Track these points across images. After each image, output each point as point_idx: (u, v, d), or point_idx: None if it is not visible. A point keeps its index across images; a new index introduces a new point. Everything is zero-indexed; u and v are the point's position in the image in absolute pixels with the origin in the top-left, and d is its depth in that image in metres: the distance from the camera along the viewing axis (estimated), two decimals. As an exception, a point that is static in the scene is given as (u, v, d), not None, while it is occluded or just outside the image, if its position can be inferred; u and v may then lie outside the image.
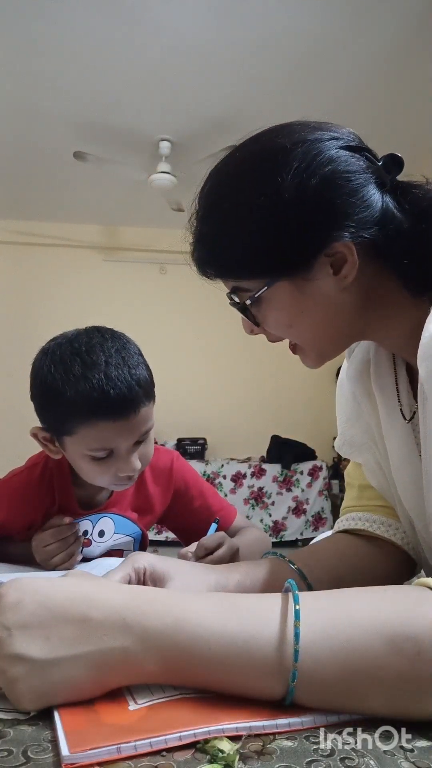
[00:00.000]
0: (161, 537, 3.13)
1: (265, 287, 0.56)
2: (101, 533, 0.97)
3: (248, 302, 0.58)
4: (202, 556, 0.76)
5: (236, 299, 0.60)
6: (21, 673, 0.36)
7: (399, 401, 0.63)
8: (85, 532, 0.95)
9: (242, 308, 0.59)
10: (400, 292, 0.56)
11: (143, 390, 0.80)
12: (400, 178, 0.57)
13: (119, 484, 0.86)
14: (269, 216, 0.54)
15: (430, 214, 0.54)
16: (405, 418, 0.62)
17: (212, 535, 0.80)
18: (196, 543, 0.79)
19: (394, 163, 0.57)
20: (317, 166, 0.52)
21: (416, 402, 0.59)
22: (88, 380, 0.75)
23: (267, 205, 0.53)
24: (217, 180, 0.59)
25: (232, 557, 0.78)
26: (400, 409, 0.63)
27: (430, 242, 0.54)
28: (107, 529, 0.98)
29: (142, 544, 1.04)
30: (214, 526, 0.85)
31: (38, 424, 0.86)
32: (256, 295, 0.57)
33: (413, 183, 0.57)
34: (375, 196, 0.54)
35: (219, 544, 0.78)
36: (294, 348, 0.62)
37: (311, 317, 0.57)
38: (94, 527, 0.96)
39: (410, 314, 0.56)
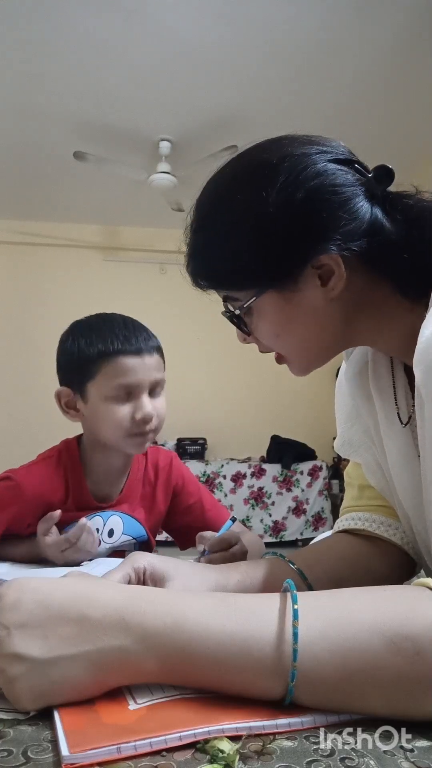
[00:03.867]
0: (161, 537, 3.13)
1: (254, 297, 0.57)
2: (111, 533, 0.99)
3: (238, 312, 0.59)
4: (218, 550, 0.78)
5: (228, 310, 0.62)
6: (20, 673, 0.36)
7: (396, 405, 0.63)
8: (96, 530, 0.96)
9: (233, 317, 0.61)
10: (395, 298, 0.56)
11: (155, 344, 0.93)
12: (394, 185, 0.58)
13: (136, 436, 0.91)
14: (256, 230, 0.55)
15: (420, 222, 0.54)
16: (401, 422, 0.62)
17: (232, 532, 0.82)
18: (211, 533, 0.81)
19: (385, 174, 0.57)
20: (303, 180, 0.53)
21: (414, 405, 0.59)
22: (110, 328, 0.91)
23: (254, 220, 0.54)
24: (209, 194, 0.60)
25: (241, 558, 0.78)
26: (398, 413, 0.63)
27: (421, 249, 0.54)
28: (116, 528, 0.99)
29: (148, 547, 1.05)
30: (229, 523, 0.86)
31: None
32: (245, 305, 0.58)
33: (403, 193, 0.57)
34: (363, 208, 0.54)
35: (237, 542, 0.80)
36: (279, 358, 0.63)
37: (299, 328, 0.58)
38: (104, 525, 0.97)
39: (406, 319, 0.56)
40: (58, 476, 0.96)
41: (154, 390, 0.93)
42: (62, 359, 0.95)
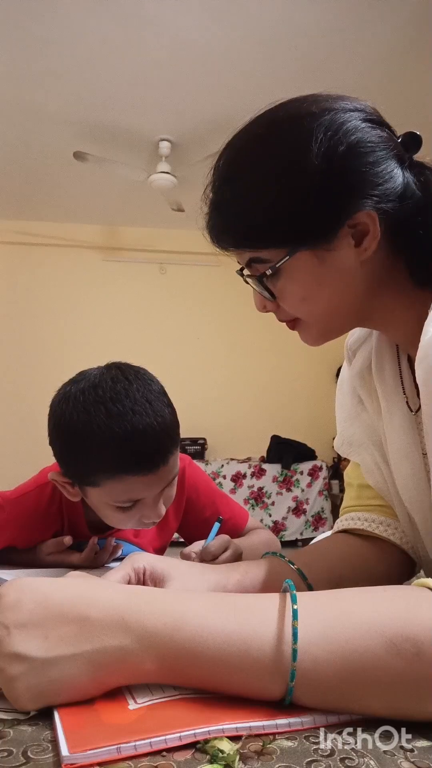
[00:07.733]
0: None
1: (287, 257, 0.54)
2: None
3: (268, 272, 0.56)
4: (207, 561, 0.76)
5: (252, 272, 0.58)
6: (20, 672, 0.36)
7: (404, 393, 0.63)
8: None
9: (259, 280, 0.57)
10: (410, 282, 0.56)
11: (170, 439, 0.77)
12: None
13: (144, 526, 0.84)
14: (294, 182, 0.53)
15: None
16: (411, 410, 0.62)
17: (217, 539, 0.79)
18: (198, 542, 0.79)
19: (413, 140, 0.57)
20: (344, 134, 0.52)
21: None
22: (115, 434, 0.71)
23: (292, 171, 0.53)
24: (238, 147, 0.57)
25: (236, 561, 0.78)
26: (406, 402, 0.63)
27: None
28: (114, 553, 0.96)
29: None
30: (217, 525, 0.84)
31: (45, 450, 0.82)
32: (276, 265, 0.55)
33: (426, 164, 0.57)
34: (397, 170, 0.54)
35: (224, 548, 0.78)
36: (294, 324, 0.61)
37: (327, 290, 0.56)
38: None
39: (414, 308, 0.56)
40: (49, 510, 0.92)
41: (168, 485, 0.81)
42: (57, 440, 0.78)
